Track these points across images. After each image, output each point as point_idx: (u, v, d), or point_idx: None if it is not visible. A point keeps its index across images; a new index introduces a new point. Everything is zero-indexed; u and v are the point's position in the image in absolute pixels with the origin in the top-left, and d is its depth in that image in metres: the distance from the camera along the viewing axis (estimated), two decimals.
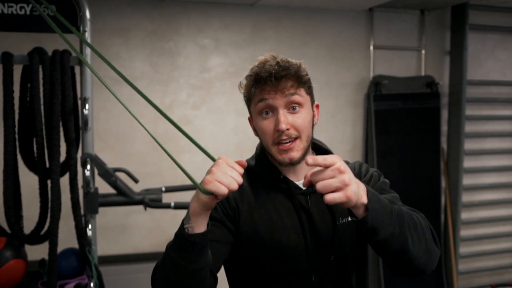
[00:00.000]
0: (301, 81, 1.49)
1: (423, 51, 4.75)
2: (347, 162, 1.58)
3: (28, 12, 2.73)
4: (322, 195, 1.21)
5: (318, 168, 1.22)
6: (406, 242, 1.32)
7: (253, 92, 1.51)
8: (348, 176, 1.19)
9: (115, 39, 3.97)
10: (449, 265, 4.78)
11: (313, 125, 1.57)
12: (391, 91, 4.53)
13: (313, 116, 1.58)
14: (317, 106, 1.61)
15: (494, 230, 5.06)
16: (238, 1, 4.11)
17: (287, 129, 1.46)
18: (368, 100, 4.49)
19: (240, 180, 1.24)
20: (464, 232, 4.88)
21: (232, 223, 1.52)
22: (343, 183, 1.18)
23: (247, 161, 1.60)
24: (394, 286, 4.54)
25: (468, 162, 4.84)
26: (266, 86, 1.47)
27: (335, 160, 1.20)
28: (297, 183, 1.57)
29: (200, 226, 1.30)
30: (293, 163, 1.50)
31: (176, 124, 1.35)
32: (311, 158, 1.20)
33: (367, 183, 1.58)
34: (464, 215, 4.88)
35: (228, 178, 1.24)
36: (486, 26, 4.87)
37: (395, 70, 4.67)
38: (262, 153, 1.61)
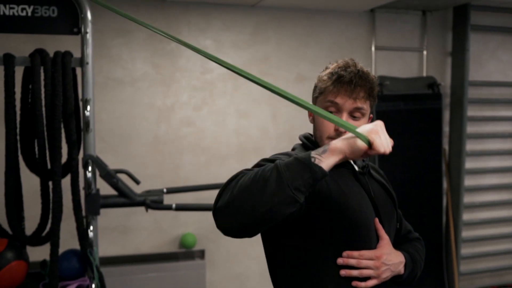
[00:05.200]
0: (372, 94, 1.65)
1: (424, 52, 4.75)
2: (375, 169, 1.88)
3: (29, 14, 2.74)
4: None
5: None
6: (413, 277, 1.77)
7: (329, 90, 1.63)
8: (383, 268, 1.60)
9: (117, 40, 3.99)
10: (451, 266, 4.78)
11: None
12: (393, 92, 4.53)
13: (369, 118, 1.73)
14: (371, 117, 1.73)
15: (495, 231, 5.06)
16: (239, 2, 4.13)
17: (345, 132, 1.54)
18: None
19: (390, 149, 1.35)
20: (465, 233, 4.88)
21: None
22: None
23: (294, 149, 1.76)
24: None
25: (469, 163, 4.85)
26: (342, 89, 1.61)
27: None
28: None
29: (328, 164, 1.33)
30: None
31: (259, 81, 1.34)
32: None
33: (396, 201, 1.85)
34: (466, 216, 4.88)
35: (386, 141, 1.34)
36: (488, 27, 4.88)
37: (397, 71, 4.67)
38: (315, 141, 1.71)
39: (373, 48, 4.58)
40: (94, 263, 2.72)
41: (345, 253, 1.56)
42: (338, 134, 1.58)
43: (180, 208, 2.93)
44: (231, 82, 4.18)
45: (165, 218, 4.14)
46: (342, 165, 1.64)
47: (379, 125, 1.34)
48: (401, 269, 1.67)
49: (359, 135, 1.31)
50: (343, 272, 1.55)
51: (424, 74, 4.75)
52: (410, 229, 1.92)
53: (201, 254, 4.18)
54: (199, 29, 4.14)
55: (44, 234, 2.80)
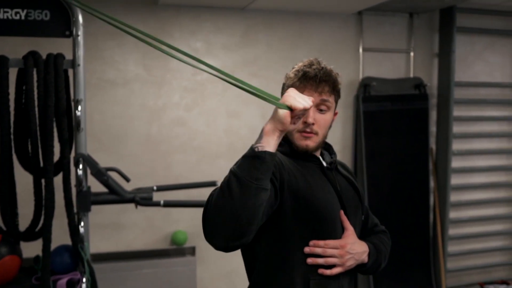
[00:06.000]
0: (336, 89, 1.82)
1: (411, 53, 4.83)
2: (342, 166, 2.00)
3: (23, 17, 2.80)
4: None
5: None
6: (378, 266, 1.87)
7: (296, 85, 1.75)
8: (348, 256, 1.71)
9: (110, 42, 4.06)
10: (438, 263, 4.86)
11: (327, 133, 1.81)
12: (380, 93, 4.60)
13: (332, 121, 1.84)
14: (336, 113, 1.87)
15: (482, 229, 5.14)
16: (229, 5, 4.19)
17: (312, 124, 1.73)
18: (357, 102, 4.58)
19: (311, 104, 1.47)
20: (452, 231, 4.96)
21: (280, 184, 1.63)
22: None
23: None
24: (383, 285, 4.62)
25: (456, 162, 4.92)
26: (308, 84, 1.75)
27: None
28: None
29: (270, 146, 1.45)
30: (307, 151, 1.77)
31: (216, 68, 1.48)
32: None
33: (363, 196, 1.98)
34: (452, 214, 4.95)
35: (302, 98, 1.47)
36: (474, 29, 4.95)
37: (384, 72, 4.75)
38: (286, 137, 1.80)
39: (360, 50, 4.66)
40: (85, 257, 2.78)
41: (311, 242, 1.67)
42: (305, 126, 1.72)
43: (168, 204, 3.01)
44: (221, 83, 4.25)
45: (157, 216, 4.21)
46: (311, 161, 1.77)
47: (291, 90, 1.49)
48: (364, 258, 1.78)
49: (277, 105, 1.44)
50: (309, 260, 1.66)
51: (411, 75, 4.82)
52: (376, 223, 2.03)
53: (192, 251, 4.24)
54: (191, 32, 4.21)
55: (37, 230, 2.86)
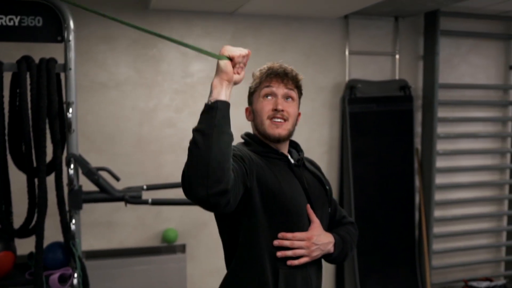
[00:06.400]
0: (297, 84, 1.99)
1: (397, 56, 4.92)
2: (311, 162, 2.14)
3: (16, 23, 2.90)
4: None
5: None
6: (344, 256, 2.01)
7: (264, 79, 1.94)
8: (314, 247, 1.85)
9: (102, 46, 4.15)
10: (423, 260, 4.95)
11: (296, 123, 1.99)
12: (366, 95, 4.69)
13: (298, 115, 2.00)
14: (299, 114, 2.02)
15: (466, 227, 5.22)
16: (218, 10, 4.27)
17: (282, 110, 1.89)
18: (343, 103, 4.67)
19: (246, 51, 1.64)
20: (437, 229, 5.04)
21: (248, 172, 1.75)
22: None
23: (238, 145, 1.95)
24: (369, 283, 4.70)
25: (441, 162, 5.01)
26: (274, 77, 1.93)
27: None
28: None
29: (220, 96, 1.59)
30: (279, 139, 1.91)
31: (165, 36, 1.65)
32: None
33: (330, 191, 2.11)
34: (437, 212, 5.04)
35: (238, 48, 1.62)
36: (458, 32, 5.04)
37: (370, 75, 4.84)
38: (254, 136, 1.98)
39: (347, 53, 4.75)
40: (76, 253, 2.87)
41: (280, 235, 1.80)
42: (275, 112, 1.89)
43: (156, 202, 3.12)
44: None
45: (148, 214, 4.30)
46: (279, 159, 1.91)
47: (225, 45, 1.63)
48: (330, 248, 1.93)
49: (217, 57, 1.59)
50: (279, 254, 1.80)
51: (397, 77, 4.91)
52: (344, 215, 2.15)
53: (182, 248, 4.31)
54: (181, 35, 4.29)
55: (30, 227, 2.95)
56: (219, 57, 1.60)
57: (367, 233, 4.71)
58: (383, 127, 4.82)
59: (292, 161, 1.98)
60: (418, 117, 5.04)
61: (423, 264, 4.95)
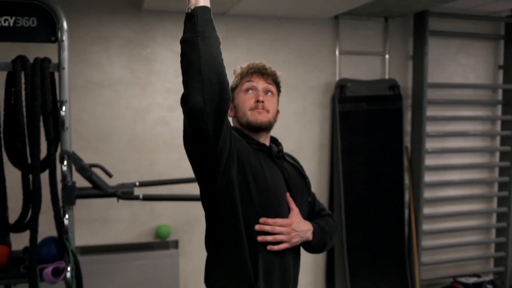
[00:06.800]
0: (276, 80, 2.09)
1: (387, 56, 4.99)
2: (290, 156, 2.23)
3: (11, 24, 2.97)
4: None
5: None
6: (323, 244, 2.10)
7: (245, 74, 2.05)
8: (294, 234, 1.93)
9: (96, 46, 4.22)
10: (412, 257, 5.02)
11: (275, 118, 2.09)
12: (355, 94, 4.75)
13: (277, 112, 2.10)
14: (278, 111, 2.12)
15: (455, 224, 5.29)
16: None
17: (263, 102, 1.99)
18: (333, 102, 4.74)
19: None
20: (426, 226, 5.11)
21: (233, 146, 1.83)
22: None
23: None
24: (359, 279, 4.77)
25: (430, 160, 5.09)
26: (254, 73, 2.04)
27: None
28: None
29: (198, 1, 1.62)
30: (261, 126, 2.00)
31: None
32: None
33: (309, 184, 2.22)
34: (426, 210, 5.11)
35: None
36: (448, 32, 5.11)
37: (361, 74, 4.90)
38: (237, 129, 2.05)
39: (337, 53, 4.83)
40: (69, 248, 2.93)
41: (261, 220, 1.89)
42: (257, 104, 1.98)
43: (147, 198, 3.19)
44: None
45: (142, 211, 4.37)
46: (261, 150, 1.99)
47: None
48: (309, 235, 2.01)
49: None
50: (259, 238, 1.88)
51: (387, 77, 4.98)
52: (323, 207, 2.25)
53: (175, 244, 4.36)
54: (173, 36, 4.37)
55: (25, 222, 3.02)
56: None
57: (357, 230, 4.79)
58: (373, 125, 4.88)
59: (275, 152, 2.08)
60: (408, 116, 5.11)
61: (413, 261, 5.02)
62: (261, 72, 2.04)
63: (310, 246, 2.06)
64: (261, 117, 1.99)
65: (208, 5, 1.65)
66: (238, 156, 1.85)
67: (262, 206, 1.91)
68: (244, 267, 1.88)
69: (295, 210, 1.99)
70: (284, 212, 1.97)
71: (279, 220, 1.92)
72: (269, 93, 2.04)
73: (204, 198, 1.96)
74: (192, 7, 1.62)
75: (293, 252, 2.02)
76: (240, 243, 1.88)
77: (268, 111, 2.01)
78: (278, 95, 2.11)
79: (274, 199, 1.94)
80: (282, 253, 1.94)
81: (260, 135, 2.05)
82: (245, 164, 1.88)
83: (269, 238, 1.89)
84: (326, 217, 2.21)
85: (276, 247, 1.90)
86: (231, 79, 2.00)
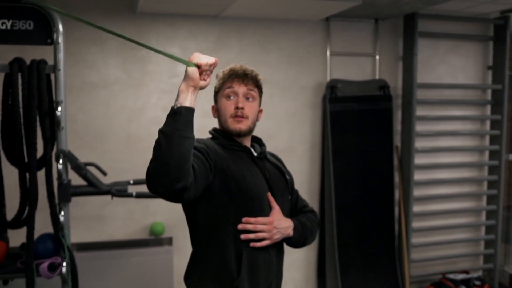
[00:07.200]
0: (257, 84, 2.17)
1: (377, 57, 5.07)
2: (273, 156, 2.36)
3: (9, 27, 3.07)
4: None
5: None
6: (304, 239, 2.21)
7: (226, 79, 2.13)
8: (275, 231, 2.03)
9: (92, 48, 4.29)
10: (402, 254, 5.09)
11: (256, 119, 2.18)
12: (346, 94, 4.83)
13: (258, 112, 2.20)
14: (261, 110, 2.24)
15: (445, 222, 5.36)
16: (203, 13, 4.40)
17: (242, 108, 2.08)
18: (324, 102, 4.83)
19: (213, 60, 1.76)
20: (416, 223, 5.19)
21: (212, 163, 1.96)
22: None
23: (207, 140, 2.13)
24: (349, 275, 4.84)
25: (420, 159, 5.16)
26: (235, 78, 2.11)
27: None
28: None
29: (186, 101, 1.73)
30: (240, 133, 2.11)
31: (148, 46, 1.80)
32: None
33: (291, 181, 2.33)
34: (416, 208, 5.18)
35: (206, 57, 1.75)
36: (437, 34, 5.18)
37: (351, 75, 4.98)
38: (221, 131, 2.18)
39: (328, 54, 4.90)
40: (65, 244, 3.03)
41: (244, 219, 2.00)
42: (237, 111, 2.09)
43: (140, 195, 3.29)
44: None
45: (136, 208, 4.45)
46: (242, 151, 2.11)
47: (196, 53, 1.77)
48: (290, 232, 2.12)
49: (185, 63, 1.73)
50: (242, 236, 1.99)
51: (377, 78, 5.05)
52: (305, 204, 2.35)
53: (169, 241, 4.44)
54: (167, 38, 4.45)
55: (22, 219, 3.12)
56: (187, 63, 1.73)
57: (348, 228, 4.87)
58: (363, 125, 4.95)
59: (255, 153, 2.19)
60: (398, 115, 5.18)
61: (402, 257, 5.10)
62: (241, 77, 2.12)
63: (291, 242, 2.17)
64: (240, 126, 2.10)
65: (193, 105, 1.75)
66: (217, 169, 1.97)
67: (244, 207, 2.02)
68: (226, 265, 2.00)
69: (276, 209, 2.10)
70: (266, 211, 2.07)
71: (260, 219, 2.03)
72: (250, 98, 2.13)
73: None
74: (179, 105, 1.72)
75: (276, 248, 2.13)
76: (223, 242, 2.00)
77: (247, 117, 2.11)
78: (260, 96, 2.21)
79: (255, 200, 2.05)
80: (265, 249, 2.05)
81: (242, 139, 2.16)
82: (226, 172, 1.99)
83: (251, 236, 2.00)
84: (308, 213, 2.31)
85: (258, 244, 2.01)
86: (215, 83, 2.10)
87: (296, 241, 2.18)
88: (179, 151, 1.68)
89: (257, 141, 2.30)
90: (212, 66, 1.78)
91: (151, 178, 1.71)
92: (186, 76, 1.74)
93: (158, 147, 1.70)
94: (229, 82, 2.13)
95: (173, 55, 1.76)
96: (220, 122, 2.18)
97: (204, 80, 1.78)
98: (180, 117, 1.70)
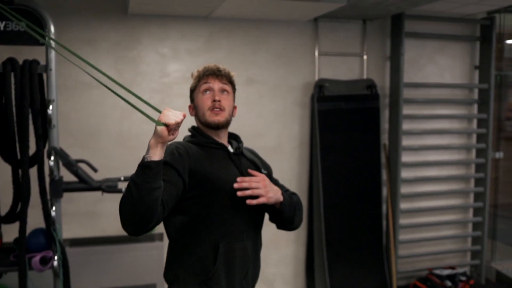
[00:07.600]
0: (230, 80, 2.32)
1: (365, 57, 5.16)
2: (251, 151, 2.47)
3: (1, 28, 3.18)
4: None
5: None
6: (293, 212, 2.29)
7: (201, 77, 2.28)
8: (268, 188, 2.13)
9: (84, 48, 4.37)
10: (390, 250, 5.20)
11: (232, 114, 2.32)
12: (334, 93, 4.92)
13: (233, 108, 2.33)
14: (235, 107, 2.35)
15: (432, 219, 5.47)
16: (193, 14, 4.49)
17: (219, 101, 2.21)
18: (312, 101, 4.92)
19: (181, 118, 1.82)
20: (403, 220, 5.29)
21: (184, 173, 2.06)
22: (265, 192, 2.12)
23: (184, 143, 2.24)
24: (337, 271, 4.93)
25: (407, 157, 5.26)
26: (210, 75, 2.27)
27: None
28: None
29: (155, 156, 1.83)
30: (219, 125, 2.23)
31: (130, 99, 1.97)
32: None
33: (270, 173, 2.43)
34: (403, 205, 5.28)
35: (174, 114, 1.83)
36: (424, 34, 5.28)
37: (339, 75, 5.07)
38: (198, 129, 2.29)
39: (316, 54, 4.99)
40: (57, 238, 3.14)
41: (239, 179, 2.12)
42: (214, 104, 2.21)
43: None
44: (187, 85, 4.50)
45: None
46: (218, 148, 2.22)
47: (165, 110, 1.87)
48: (279, 196, 2.20)
49: (156, 122, 1.84)
50: (239, 193, 2.10)
51: (365, 77, 5.14)
52: (286, 189, 2.43)
53: (160, 237, 4.51)
54: (158, 38, 4.54)
55: (15, 214, 3.22)
56: (157, 123, 1.83)
57: (336, 224, 4.96)
58: (351, 123, 5.04)
59: (231, 150, 2.29)
60: (386, 114, 5.28)
61: (390, 254, 5.20)
62: (216, 74, 2.27)
63: (282, 209, 2.24)
64: (218, 118, 2.22)
65: (162, 157, 1.85)
66: (191, 173, 2.08)
67: (218, 203, 2.12)
68: (202, 258, 2.10)
69: (262, 175, 2.21)
70: (239, 206, 2.15)
71: (253, 178, 2.15)
72: (225, 92, 2.27)
73: None
74: (149, 159, 1.82)
75: (252, 239, 2.23)
76: (199, 236, 2.10)
77: (224, 109, 2.24)
78: (234, 92, 2.35)
79: (230, 195, 2.13)
80: (240, 239, 2.15)
81: (219, 133, 2.27)
82: (199, 171, 2.10)
83: (248, 192, 2.10)
84: (291, 194, 2.40)
85: (254, 201, 2.11)
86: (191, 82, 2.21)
87: (286, 210, 2.25)
88: (149, 200, 1.81)
89: (234, 137, 2.41)
90: (180, 123, 1.84)
91: (124, 222, 1.86)
92: (156, 134, 1.84)
93: (128, 194, 1.82)
94: (205, 79, 2.27)
95: (144, 112, 1.88)
96: (198, 117, 2.29)
97: (173, 134, 1.87)
98: (150, 171, 1.80)
